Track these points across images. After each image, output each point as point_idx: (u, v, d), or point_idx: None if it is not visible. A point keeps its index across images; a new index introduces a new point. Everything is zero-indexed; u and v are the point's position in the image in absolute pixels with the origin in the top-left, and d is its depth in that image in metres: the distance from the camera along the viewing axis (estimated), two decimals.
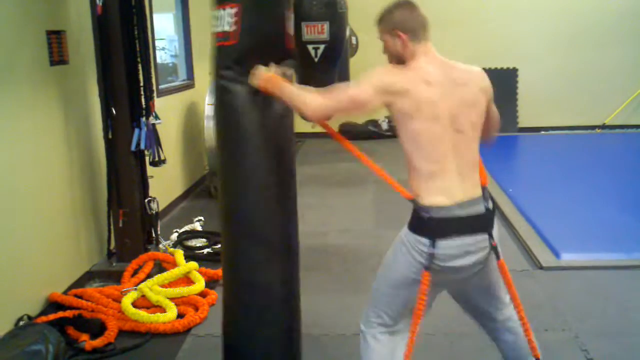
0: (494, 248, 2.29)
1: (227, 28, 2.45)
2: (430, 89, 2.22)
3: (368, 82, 2.25)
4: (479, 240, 2.26)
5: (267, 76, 2.40)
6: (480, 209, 2.27)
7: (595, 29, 9.26)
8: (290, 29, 2.57)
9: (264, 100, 2.47)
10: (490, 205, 2.31)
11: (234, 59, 2.46)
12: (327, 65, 5.62)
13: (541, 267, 4.33)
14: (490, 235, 2.28)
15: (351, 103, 2.27)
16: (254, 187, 2.54)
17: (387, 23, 2.35)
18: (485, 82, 2.37)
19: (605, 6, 9.19)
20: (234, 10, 2.42)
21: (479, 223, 2.27)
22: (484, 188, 2.33)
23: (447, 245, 2.21)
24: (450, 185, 2.23)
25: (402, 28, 2.30)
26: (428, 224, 2.22)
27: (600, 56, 9.34)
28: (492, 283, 2.42)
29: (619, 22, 9.21)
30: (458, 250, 2.22)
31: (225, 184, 2.62)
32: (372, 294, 2.47)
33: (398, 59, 2.35)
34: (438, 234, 2.21)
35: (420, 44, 2.32)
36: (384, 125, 9.31)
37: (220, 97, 2.55)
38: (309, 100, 2.29)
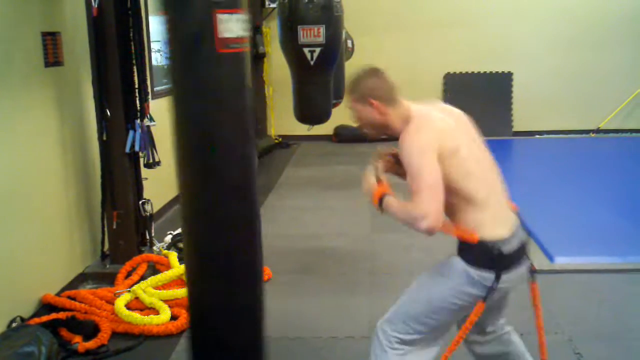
0: (533, 272, 2.34)
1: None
2: (459, 129, 2.24)
3: (423, 157, 2.11)
4: (527, 265, 2.29)
5: (373, 188, 2.30)
6: (524, 235, 2.29)
7: (590, 33, 9.29)
8: (224, 33, 2.32)
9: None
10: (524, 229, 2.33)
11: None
12: (323, 68, 5.63)
13: (534, 271, 4.32)
14: (529, 259, 2.32)
15: (439, 186, 2.08)
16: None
17: (358, 92, 2.30)
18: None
19: (600, 10, 9.22)
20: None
21: (525, 249, 2.28)
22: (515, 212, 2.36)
23: (509, 278, 2.20)
24: (504, 213, 2.25)
25: (374, 96, 2.26)
26: (496, 260, 2.17)
27: (595, 60, 9.37)
28: (506, 299, 2.42)
29: (613, 26, 9.24)
30: (514, 280, 2.24)
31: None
32: (404, 312, 2.32)
33: (377, 127, 2.32)
34: (504, 268, 2.18)
35: (399, 104, 2.30)
36: None
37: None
38: (418, 215, 2.06)
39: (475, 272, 2.18)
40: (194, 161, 2.47)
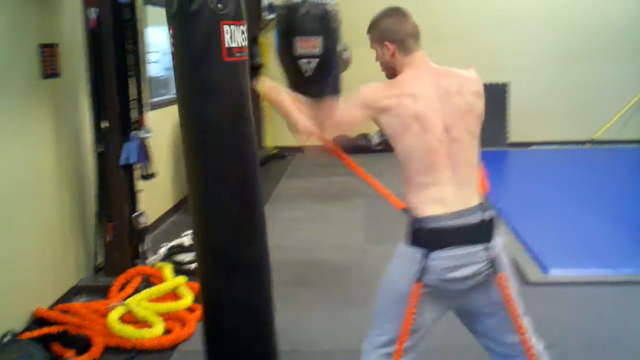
0: (492, 261, 2.16)
1: None
2: (418, 103, 2.17)
3: (352, 102, 2.27)
4: (475, 251, 2.15)
5: (270, 85, 2.48)
6: (476, 218, 2.17)
7: (585, 44, 9.32)
8: (231, 42, 2.54)
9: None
10: (488, 215, 2.19)
11: None
12: (319, 79, 5.64)
13: (529, 283, 4.33)
14: (487, 247, 2.16)
15: (337, 125, 2.32)
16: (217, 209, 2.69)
17: (376, 32, 2.33)
18: (479, 85, 2.31)
19: (594, 22, 9.26)
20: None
21: (474, 233, 2.17)
22: (483, 196, 2.26)
23: (441, 257, 2.13)
24: (445, 196, 2.18)
25: (390, 38, 2.28)
26: (421, 235, 2.16)
27: (590, 71, 9.40)
28: (498, 302, 2.22)
29: (608, 37, 9.28)
30: (452, 262, 2.13)
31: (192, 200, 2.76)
32: (373, 313, 2.35)
33: (388, 69, 2.34)
34: (431, 244, 2.14)
35: (410, 54, 2.29)
36: (375, 139, 9.33)
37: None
38: (301, 122, 2.35)
39: (406, 250, 2.19)
40: (199, 162, 2.66)
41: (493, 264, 2.17)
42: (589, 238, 5.23)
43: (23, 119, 3.72)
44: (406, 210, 2.24)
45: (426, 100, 2.19)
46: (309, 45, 5.64)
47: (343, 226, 5.86)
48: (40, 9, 3.90)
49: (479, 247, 2.16)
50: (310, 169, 8.44)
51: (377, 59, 2.37)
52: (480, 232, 2.18)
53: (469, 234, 2.17)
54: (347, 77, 6.94)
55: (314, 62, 5.72)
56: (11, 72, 3.62)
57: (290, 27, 5.35)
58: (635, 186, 7.30)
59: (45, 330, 3.53)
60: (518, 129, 9.46)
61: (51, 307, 3.89)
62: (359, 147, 9.46)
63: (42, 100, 3.92)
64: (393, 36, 2.28)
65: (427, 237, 2.16)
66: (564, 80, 9.44)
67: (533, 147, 9.55)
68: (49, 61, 3.95)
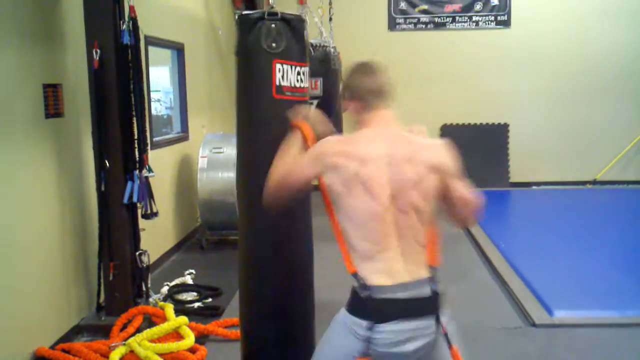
0: (445, 335, 2.07)
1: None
2: (364, 167, 2.07)
3: (307, 155, 2.23)
4: (424, 325, 2.04)
5: (299, 121, 2.44)
6: (425, 291, 2.06)
7: (585, 86, 9.42)
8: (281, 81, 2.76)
9: None
10: (438, 288, 2.09)
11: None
12: None
13: (534, 325, 4.28)
14: (438, 320, 2.07)
15: (289, 176, 2.21)
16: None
17: (343, 87, 2.29)
18: (440, 157, 2.15)
19: (594, 64, 9.37)
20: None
21: (424, 306, 2.06)
22: (433, 269, 2.12)
23: (387, 330, 2.01)
24: (393, 266, 2.05)
25: (354, 94, 2.22)
26: (367, 305, 2.03)
27: (591, 112, 9.47)
28: None
29: (608, 79, 9.38)
30: (399, 336, 2.02)
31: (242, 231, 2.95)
32: None
33: (355, 123, 2.27)
34: (377, 316, 2.01)
35: (373, 111, 2.20)
36: None
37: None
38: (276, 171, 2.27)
39: (349, 320, 2.06)
40: (247, 187, 2.83)
41: (447, 338, 2.08)
42: (593, 279, 5.20)
43: (26, 159, 3.74)
44: (355, 276, 2.10)
45: (374, 165, 2.08)
46: (310, 87, 5.72)
47: (338, 266, 5.80)
48: (44, 49, 3.95)
49: (427, 321, 2.05)
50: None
51: (344, 109, 2.32)
52: (430, 305, 2.08)
53: (419, 307, 2.06)
54: (347, 117, 7.02)
55: (315, 102, 5.79)
56: (15, 111, 3.65)
57: None
58: (637, 227, 7.28)
59: None
60: (519, 168, 9.49)
61: (52, 347, 3.85)
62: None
63: (46, 139, 3.94)
64: (353, 93, 2.23)
65: (373, 307, 2.03)
66: (565, 122, 9.50)
67: (534, 187, 9.57)
68: (52, 101, 3.98)
